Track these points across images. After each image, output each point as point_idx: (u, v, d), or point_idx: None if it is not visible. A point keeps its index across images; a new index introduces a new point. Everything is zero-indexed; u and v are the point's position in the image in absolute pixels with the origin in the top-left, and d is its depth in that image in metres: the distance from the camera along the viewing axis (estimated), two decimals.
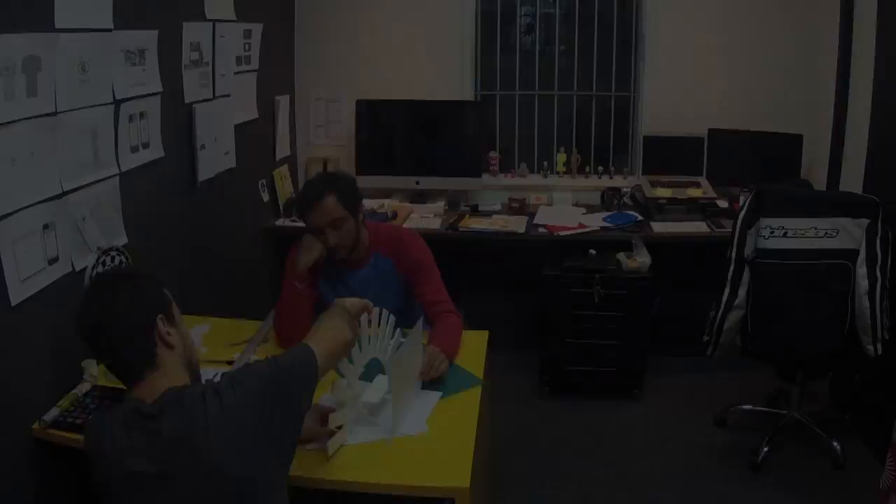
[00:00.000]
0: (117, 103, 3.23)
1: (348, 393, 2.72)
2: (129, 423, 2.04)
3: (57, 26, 2.78)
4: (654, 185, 5.34)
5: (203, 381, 2.27)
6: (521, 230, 5.05)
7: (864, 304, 3.80)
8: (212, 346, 3.34)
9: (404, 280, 3.56)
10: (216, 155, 4.26)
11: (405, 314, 3.32)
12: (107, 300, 2.12)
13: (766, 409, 4.65)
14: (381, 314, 2.84)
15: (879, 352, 3.85)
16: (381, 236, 3.63)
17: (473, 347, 3.32)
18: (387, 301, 3.07)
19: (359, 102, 5.55)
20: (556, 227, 5.01)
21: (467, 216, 5.32)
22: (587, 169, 5.79)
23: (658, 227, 5.02)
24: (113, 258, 3.02)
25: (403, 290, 3.57)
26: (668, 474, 4.18)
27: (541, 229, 5.05)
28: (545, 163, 5.79)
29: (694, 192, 5.26)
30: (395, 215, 5.17)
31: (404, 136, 5.64)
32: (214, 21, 4.14)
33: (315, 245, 3.39)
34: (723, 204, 5.24)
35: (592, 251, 4.90)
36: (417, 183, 5.49)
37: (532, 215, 5.30)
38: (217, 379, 2.16)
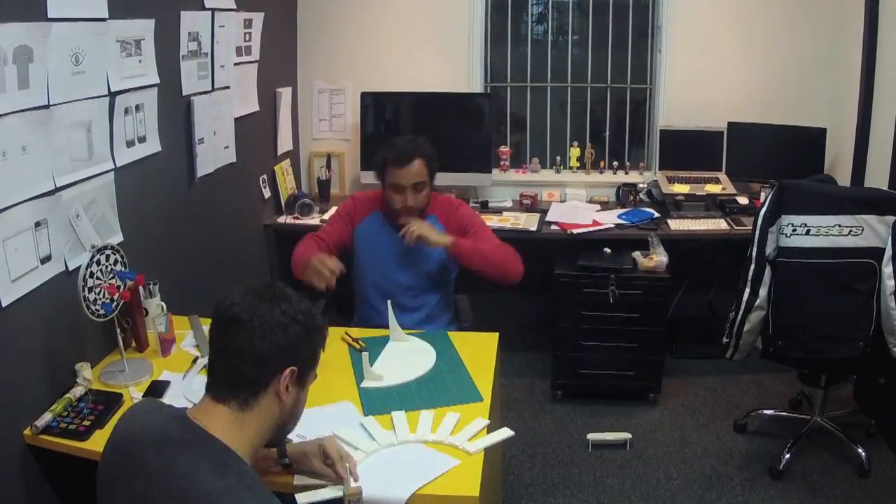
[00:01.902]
0: (112, 96, 3.22)
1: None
2: (161, 438, 1.91)
3: (49, 15, 2.76)
4: (671, 180, 5.33)
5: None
6: (533, 227, 5.02)
7: (890, 304, 3.77)
8: None
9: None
10: (215, 149, 4.26)
11: (443, 281, 3.91)
12: (269, 309, 1.99)
13: (788, 413, 4.64)
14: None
15: None
16: (436, 202, 3.91)
17: (484, 349, 3.32)
18: (429, 262, 3.80)
19: (364, 95, 5.54)
20: (570, 225, 4.99)
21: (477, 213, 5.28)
22: (602, 164, 5.77)
23: (675, 224, 5.00)
24: (108, 257, 3.01)
25: (447, 256, 3.80)
26: (686, 482, 4.16)
27: (553, 227, 5.04)
28: (558, 157, 5.78)
29: (713, 188, 5.25)
30: None
31: (411, 129, 5.60)
32: (213, 10, 4.12)
33: (324, 271, 3.46)
34: (743, 200, 5.22)
35: (607, 249, 4.89)
36: None
37: (544, 212, 5.27)
38: None
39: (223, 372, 1.99)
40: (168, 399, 2.84)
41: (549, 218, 5.14)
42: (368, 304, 3.85)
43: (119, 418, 2.07)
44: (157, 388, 2.95)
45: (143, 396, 2.88)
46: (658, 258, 4.69)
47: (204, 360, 3.15)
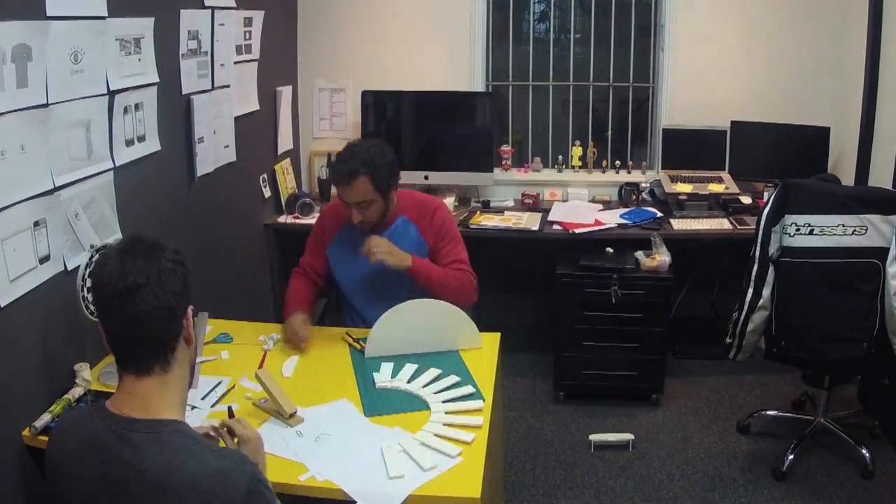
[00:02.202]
0: (111, 94, 3.21)
1: None
2: (99, 444, 1.94)
3: (48, 13, 2.76)
4: (673, 180, 5.33)
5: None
6: (535, 227, 5.02)
7: (894, 304, 3.77)
8: (212, 349, 3.35)
9: (428, 249, 3.72)
10: (215, 148, 4.25)
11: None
12: (155, 262, 1.98)
13: (791, 414, 4.65)
14: None
15: None
16: (410, 202, 3.78)
17: (485, 350, 3.32)
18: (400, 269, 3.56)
19: (364, 93, 5.54)
20: (572, 225, 4.99)
21: (478, 212, 5.30)
22: (604, 163, 5.76)
23: (678, 224, 5.00)
24: None
25: (423, 252, 3.70)
26: (689, 483, 4.16)
27: (555, 226, 5.03)
28: (560, 157, 5.78)
29: (716, 188, 5.25)
30: None
31: (412, 128, 5.62)
32: (213, 8, 4.12)
33: (297, 342, 3.40)
34: (746, 200, 5.22)
35: (610, 249, 4.89)
36: (426, 178, 5.47)
37: (546, 212, 5.28)
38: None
39: (136, 344, 1.97)
40: None
41: (551, 217, 5.14)
42: (356, 312, 3.82)
43: (49, 442, 2.12)
44: None
45: None
46: (661, 258, 4.68)
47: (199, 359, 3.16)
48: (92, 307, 2.90)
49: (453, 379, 3.05)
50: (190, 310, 2.06)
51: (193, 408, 2.85)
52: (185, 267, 2.06)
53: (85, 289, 2.87)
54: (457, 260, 3.70)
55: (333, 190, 5.03)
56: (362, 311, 3.77)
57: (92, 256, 2.91)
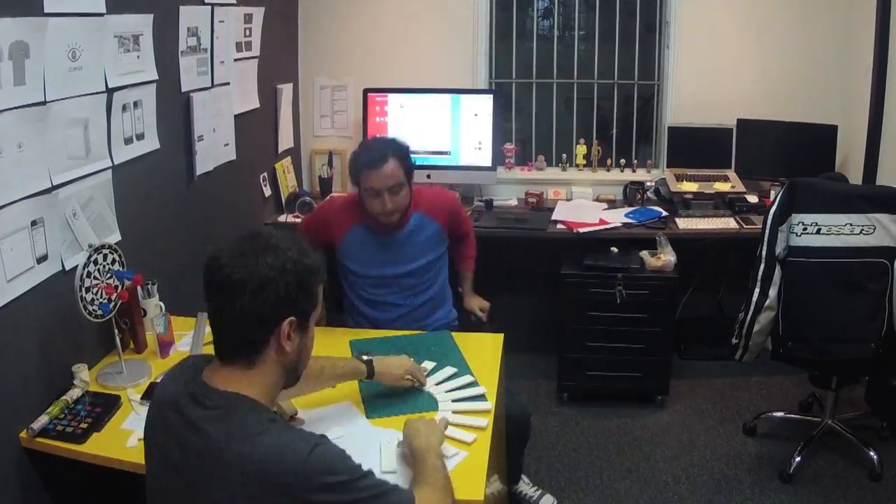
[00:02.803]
0: (110, 92, 3.21)
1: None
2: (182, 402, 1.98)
3: (46, 10, 2.76)
4: (679, 178, 5.32)
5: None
6: (539, 226, 5.02)
7: None
8: (211, 350, 3.32)
9: (445, 234, 3.90)
10: (215, 147, 4.25)
11: (439, 263, 3.90)
12: (266, 264, 1.96)
13: (798, 416, 4.64)
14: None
15: None
16: (422, 196, 3.84)
17: (489, 350, 3.31)
18: (423, 256, 3.79)
19: (366, 91, 5.53)
20: (576, 224, 4.98)
21: (481, 211, 5.31)
22: (608, 162, 5.77)
23: (683, 223, 4.99)
24: (105, 256, 3.01)
25: (441, 240, 3.89)
26: (694, 486, 4.16)
27: (559, 226, 5.03)
28: (564, 155, 5.77)
29: (722, 187, 5.24)
30: None
31: (414, 127, 5.62)
32: (213, 4, 4.12)
33: None
34: (752, 199, 5.21)
35: (614, 249, 4.88)
36: (428, 177, 5.46)
37: (550, 210, 5.28)
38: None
39: (223, 335, 2.01)
40: None
41: (555, 216, 5.13)
42: (361, 312, 3.84)
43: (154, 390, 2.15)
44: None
45: (141, 399, 2.88)
46: (666, 258, 4.68)
47: None
48: (90, 307, 2.92)
49: (467, 378, 3.06)
50: (288, 322, 1.99)
51: None
52: (294, 277, 2.00)
53: (83, 289, 2.87)
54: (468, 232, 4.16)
55: (343, 192, 5.05)
56: (369, 312, 3.79)
57: (90, 256, 2.92)
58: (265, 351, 2.00)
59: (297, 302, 2.01)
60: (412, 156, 3.70)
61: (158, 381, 2.18)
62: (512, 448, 3.66)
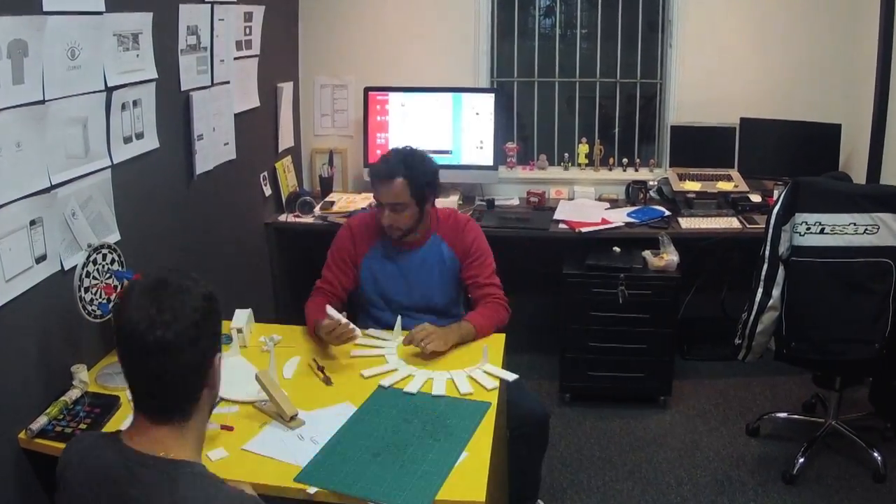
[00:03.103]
0: (109, 91, 3.21)
1: None
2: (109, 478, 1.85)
3: (45, 8, 2.75)
4: (682, 178, 5.32)
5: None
6: (541, 226, 5.02)
7: None
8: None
9: (459, 267, 3.77)
10: (215, 146, 4.25)
11: (452, 304, 3.81)
12: (186, 314, 1.85)
13: (802, 417, 4.63)
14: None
15: None
16: (440, 217, 3.82)
17: (490, 351, 3.29)
18: (434, 288, 3.72)
19: (367, 90, 5.53)
20: (578, 223, 4.98)
21: (483, 211, 5.31)
22: (611, 161, 5.76)
23: (686, 222, 4.99)
24: (104, 256, 3.01)
25: (455, 280, 3.80)
26: (697, 487, 4.15)
27: (561, 225, 5.03)
28: (566, 154, 5.76)
29: (724, 186, 5.24)
30: None
31: (415, 126, 5.62)
32: (213, 3, 4.11)
33: (342, 330, 3.30)
34: (755, 198, 5.21)
35: (616, 249, 4.88)
36: None
37: (552, 210, 5.27)
38: None
39: (158, 396, 1.88)
40: None
41: (556, 216, 5.13)
42: (374, 321, 3.78)
43: (62, 459, 2.00)
44: None
45: None
46: (669, 257, 4.67)
47: None
48: (89, 308, 2.92)
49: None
50: (218, 357, 1.94)
51: None
52: (217, 313, 1.95)
53: (82, 289, 2.87)
54: (490, 285, 3.73)
55: (343, 192, 5.06)
56: (382, 322, 3.76)
57: (89, 256, 2.92)
58: (200, 397, 1.92)
59: (219, 336, 1.99)
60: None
61: (68, 450, 2.00)
62: (531, 456, 3.67)
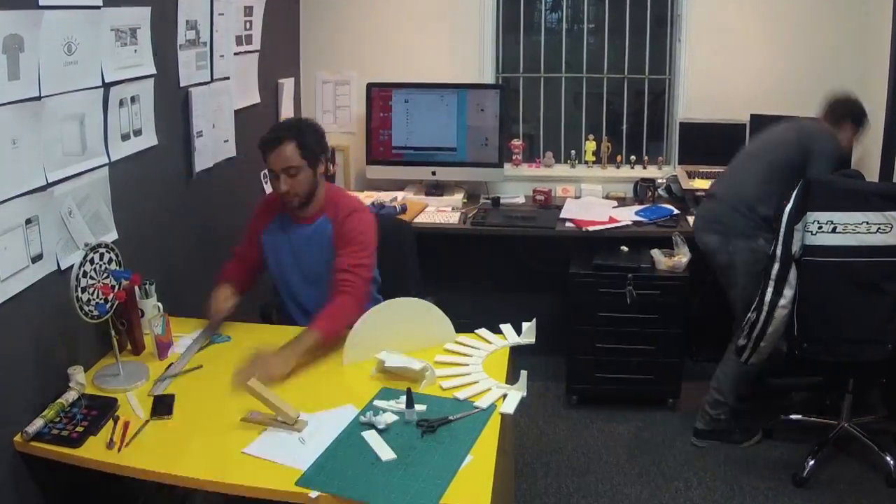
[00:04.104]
0: (106, 87, 3.22)
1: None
2: None
3: (41, 3, 2.75)
4: (691, 175, 5.31)
5: None
6: (547, 225, 5.02)
7: None
8: (210, 351, 3.36)
9: (334, 244, 3.67)
10: (214, 143, 4.25)
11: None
12: None
13: (813, 419, 4.62)
14: None
15: None
16: (337, 200, 3.72)
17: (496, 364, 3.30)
18: (319, 265, 3.64)
19: (370, 86, 5.53)
20: (585, 222, 4.97)
21: (488, 209, 5.30)
22: (618, 158, 5.76)
23: None
24: (102, 255, 3.01)
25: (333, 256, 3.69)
26: (707, 491, 4.15)
27: (568, 224, 5.02)
28: (573, 152, 5.76)
29: None
30: (404, 209, 5.13)
31: (419, 122, 5.62)
32: None
33: (216, 311, 3.56)
34: None
35: (624, 248, 4.87)
36: (433, 174, 5.47)
37: (558, 208, 5.27)
38: None
39: None
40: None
41: (563, 215, 5.12)
42: (285, 313, 3.85)
43: None
44: (162, 403, 2.93)
45: (151, 417, 2.86)
46: (677, 257, 4.66)
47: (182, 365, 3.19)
48: (87, 308, 2.91)
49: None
50: None
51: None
52: None
53: (79, 289, 2.87)
54: (345, 271, 3.54)
55: (345, 189, 5.06)
56: (289, 311, 3.81)
57: (86, 255, 2.91)
58: None
59: None
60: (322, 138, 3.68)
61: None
62: None
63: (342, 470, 2.55)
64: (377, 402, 2.93)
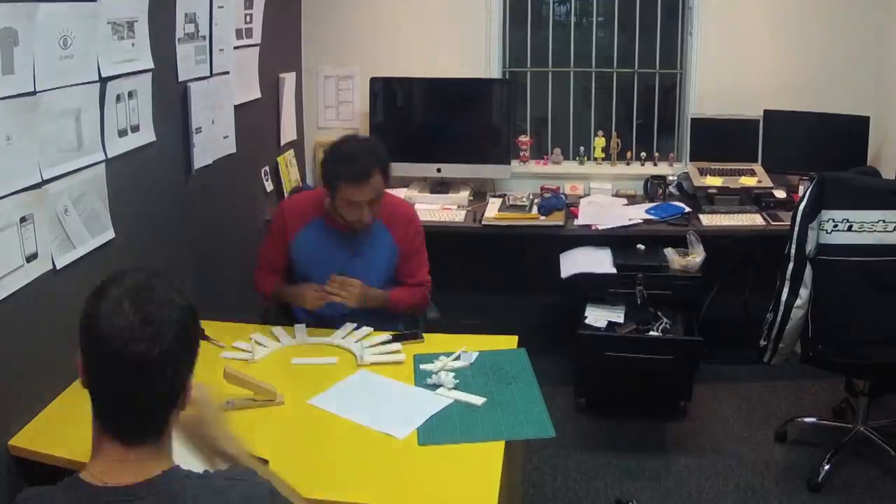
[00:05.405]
0: (103, 81, 3.21)
1: None
2: None
3: None
4: (702, 172, 5.30)
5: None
6: (555, 223, 5.01)
7: None
8: (209, 351, 3.33)
9: (398, 254, 3.80)
10: (214, 139, 4.25)
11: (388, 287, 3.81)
12: (169, 326, 1.69)
13: (829, 422, 4.61)
14: None
15: None
16: (388, 207, 3.76)
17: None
18: (374, 272, 3.72)
19: (373, 80, 5.53)
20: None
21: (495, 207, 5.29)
22: (628, 155, 5.75)
23: (707, 219, 4.97)
24: None
25: (392, 264, 3.81)
26: (720, 496, 4.14)
27: (577, 222, 5.02)
28: (582, 148, 5.76)
29: (748, 181, 5.21)
30: None
31: (424, 118, 5.62)
32: None
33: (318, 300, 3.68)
34: (780, 194, 5.19)
35: (641, 246, 4.87)
36: (439, 171, 5.46)
37: (569, 206, 5.25)
38: None
39: (126, 421, 1.70)
40: None
41: (580, 222, 5.05)
42: (307, 312, 3.81)
43: None
44: None
45: None
46: (689, 256, 4.66)
47: None
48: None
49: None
50: (191, 380, 1.78)
51: None
52: (197, 323, 1.79)
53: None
54: (422, 283, 3.86)
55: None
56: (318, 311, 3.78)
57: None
58: (173, 417, 1.78)
59: (197, 350, 1.82)
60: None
61: None
62: None
63: (450, 422, 2.84)
64: (423, 367, 3.21)
